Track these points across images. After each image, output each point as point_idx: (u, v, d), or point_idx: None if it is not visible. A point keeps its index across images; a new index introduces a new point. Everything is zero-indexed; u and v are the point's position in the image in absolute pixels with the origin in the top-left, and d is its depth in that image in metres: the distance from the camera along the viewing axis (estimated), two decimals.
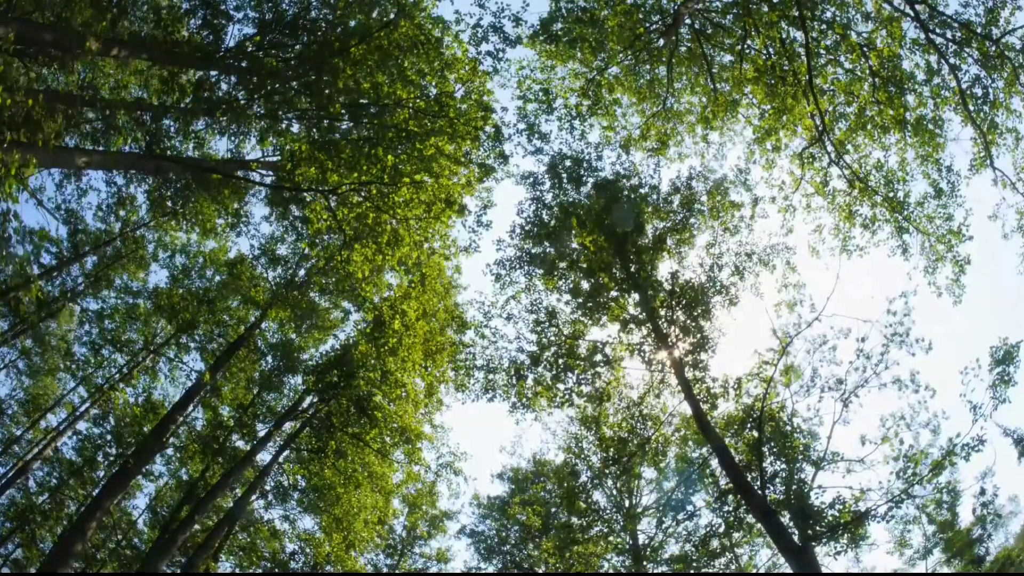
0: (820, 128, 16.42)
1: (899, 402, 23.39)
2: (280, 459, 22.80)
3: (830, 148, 16.77)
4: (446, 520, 28.56)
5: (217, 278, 24.92)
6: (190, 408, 19.17)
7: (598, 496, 24.85)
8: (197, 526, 19.45)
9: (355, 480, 19.66)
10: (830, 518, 12.81)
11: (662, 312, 14.33)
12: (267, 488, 22.61)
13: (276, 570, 26.63)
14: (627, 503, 23.06)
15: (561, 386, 16.72)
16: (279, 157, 18.57)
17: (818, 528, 12.61)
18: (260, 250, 23.21)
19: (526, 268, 16.40)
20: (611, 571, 27.56)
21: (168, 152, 17.52)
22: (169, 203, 24.45)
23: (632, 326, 16.71)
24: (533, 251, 15.98)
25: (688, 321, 15.54)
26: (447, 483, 21.29)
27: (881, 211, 17.86)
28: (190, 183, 24.56)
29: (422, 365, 17.06)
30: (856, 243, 17.66)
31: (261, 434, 23.57)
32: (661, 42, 21.57)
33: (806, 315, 15.15)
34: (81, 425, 25.90)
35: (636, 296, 15.94)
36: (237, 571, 28.24)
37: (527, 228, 16.08)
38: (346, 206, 16.41)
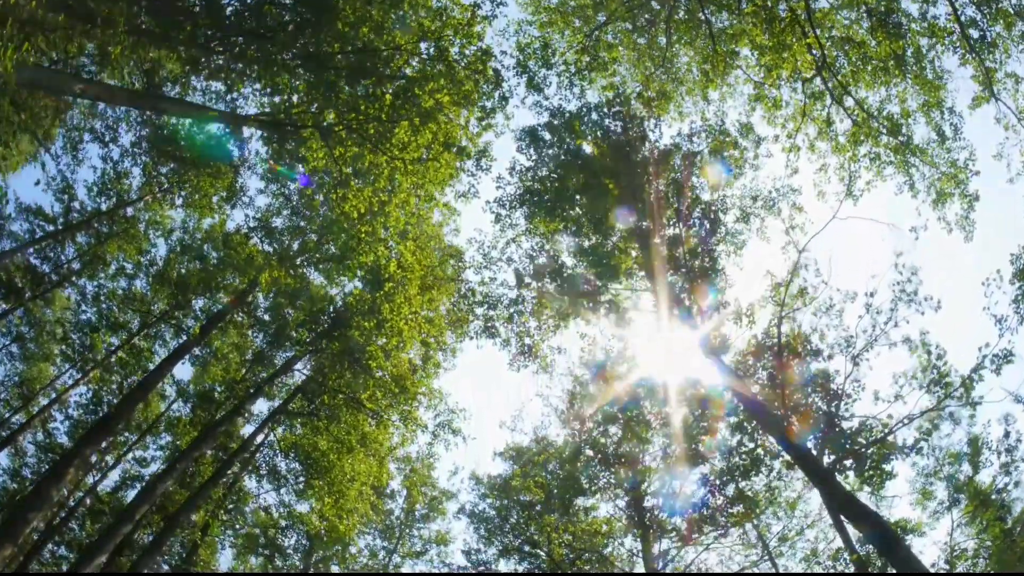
0: (821, 62, 16.30)
1: (911, 361, 22.66)
2: (273, 437, 22.26)
3: (832, 84, 16.62)
4: (445, 501, 27.72)
5: (214, 255, 24.64)
6: (179, 364, 18.61)
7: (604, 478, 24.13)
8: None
9: (348, 444, 19.04)
10: (859, 440, 12.26)
11: (669, 232, 13.96)
12: (259, 463, 21.93)
13: (274, 569, 25.77)
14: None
15: (563, 330, 16.26)
16: (276, 111, 18.47)
17: (847, 447, 12.04)
18: (256, 220, 22.99)
19: (527, 209, 16.08)
20: (611, 571, 26.65)
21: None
22: (164, 180, 24.45)
23: (637, 268, 16.33)
24: (535, 187, 15.65)
25: (696, 243, 15.20)
26: (445, 444, 20.60)
27: (886, 152, 17.66)
28: (186, 159, 24.48)
29: (418, 312, 16.56)
30: (861, 184, 17.37)
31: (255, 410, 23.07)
32: (656, 4, 21.76)
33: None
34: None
35: (639, 245, 15.59)
36: (237, 571, 27.35)
37: (528, 166, 15.79)
38: (343, 146, 16.17)
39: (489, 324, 16.08)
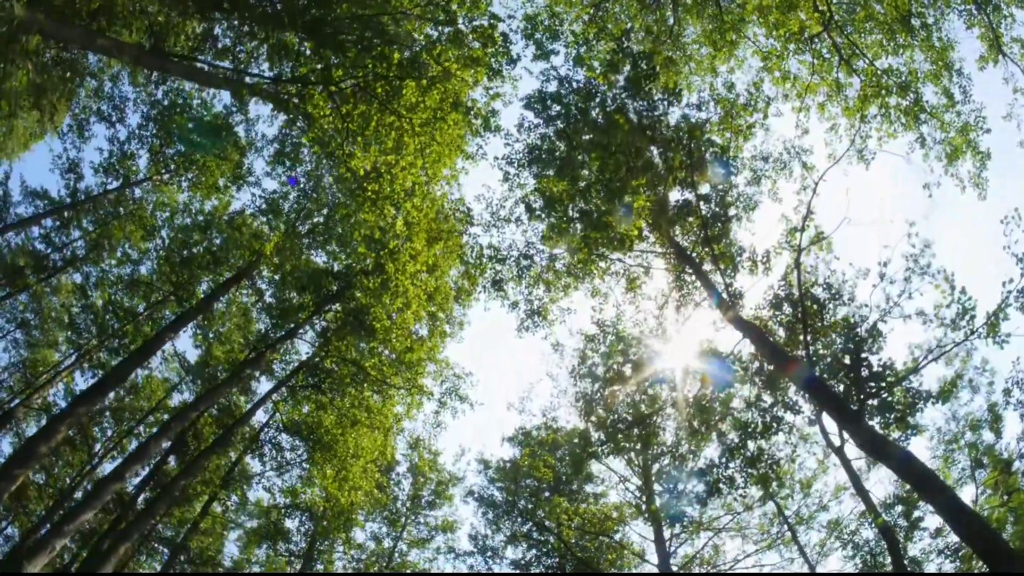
0: (828, 19, 16.27)
1: (925, 334, 22.39)
2: (277, 416, 21.92)
3: (839, 40, 16.57)
4: (451, 487, 27.18)
5: (218, 240, 24.53)
6: (182, 332, 18.36)
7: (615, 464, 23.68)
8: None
9: (352, 418, 18.71)
10: (887, 378, 11.89)
11: (680, 174, 13.72)
12: (262, 442, 21.57)
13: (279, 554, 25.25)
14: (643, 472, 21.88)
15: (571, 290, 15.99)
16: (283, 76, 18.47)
17: (874, 388, 11.67)
18: (264, 200, 22.92)
19: (535, 168, 15.92)
20: (614, 571, 26.04)
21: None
22: (170, 162, 24.48)
23: (647, 232, 16.12)
24: (544, 145, 15.50)
25: (707, 209, 14.97)
26: (452, 412, 20.17)
27: (896, 113, 17.55)
28: (193, 140, 24.54)
29: (423, 271, 16.31)
30: (872, 144, 17.24)
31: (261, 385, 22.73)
32: None
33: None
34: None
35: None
36: (236, 571, 26.78)
37: (536, 122, 15.64)
38: (349, 104, 16.10)
39: (497, 277, 15.83)
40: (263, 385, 22.44)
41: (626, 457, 22.38)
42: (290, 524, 23.47)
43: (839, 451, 17.05)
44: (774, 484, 17.19)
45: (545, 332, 17.24)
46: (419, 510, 27.20)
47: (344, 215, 21.24)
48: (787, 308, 13.59)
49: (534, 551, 23.45)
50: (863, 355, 11.76)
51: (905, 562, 16.41)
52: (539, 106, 15.34)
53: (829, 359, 12.81)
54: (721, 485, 14.31)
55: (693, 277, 16.66)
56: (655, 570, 21.43)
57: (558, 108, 18.29)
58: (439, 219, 16.41)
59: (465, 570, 24.74)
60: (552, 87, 17.55)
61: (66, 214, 24.54)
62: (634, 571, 28.10)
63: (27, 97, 23.28)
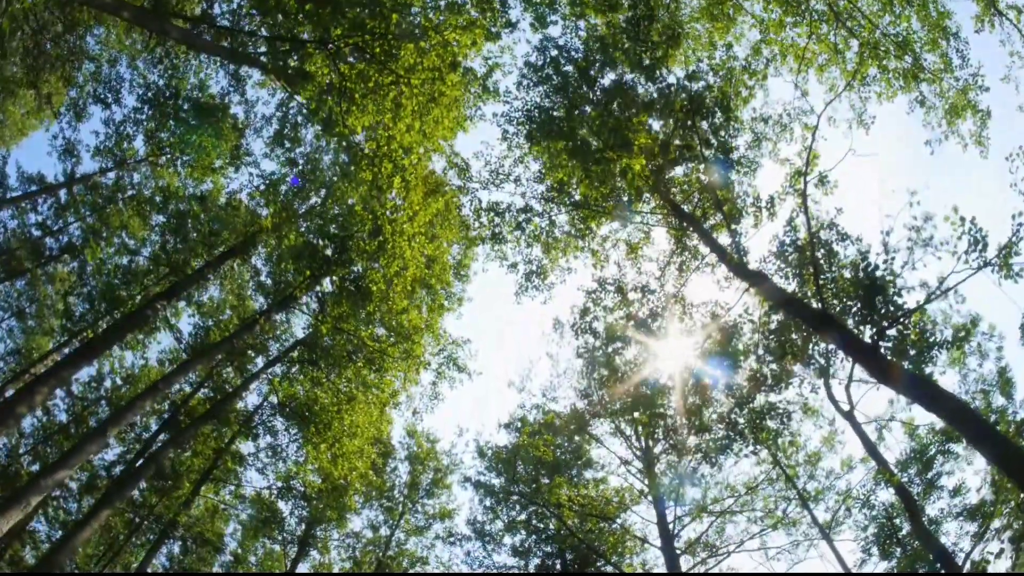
0: None
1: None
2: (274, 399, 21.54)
3: (840, 2, 16.62)
4: (449, 475, 26.64)
5: (215, 225, 24.37)
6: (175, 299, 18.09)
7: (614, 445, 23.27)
8: None
9: (348, 394, 18.41)
10: (902, 307, 11.63)
11: (680, 116, 13.58)
12: (255, 424, 21.20)
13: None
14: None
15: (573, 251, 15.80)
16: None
17: (888, 316, 11.38)
18: (262, 180, 22.76)
19: (535, 127, 15.80)
20: (616, 571, 25.47)
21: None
22: (166, 144, 24.42)
23: (647, 193, 15.98)
24: (544, 104, 15.39)
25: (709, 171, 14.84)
26: (450, 383, 19.81)
27: (895, 77, 17.55)
28: (190, 122, 24.49)
29: (421, 233, 16.06)
30: (872, 108, 17.17)
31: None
32: None
33: None
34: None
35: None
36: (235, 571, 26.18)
37: (535, 80, 15.56)
38: (347, 64, 16.07)
39: (496, 231, 15.63)
40: (258, 364, 22.12)
41: (627, 436, 21.99)
42: (283, 507, 22.98)
43: (849, 415, 16.76)
44: (786, 438, 16.79)
45: (545, 296, 17.05)
46: (416, 498, 26.68)
47: (341, 191, 21.17)
48: (793, 256, 13.34)
49: (533, 537, 22.94)
50: (877, 282, 11.46)
51: (924, 520, 16.05)
52: (540, 59, 15.28)
53: (842, 299, 12.53)
54: (733, 441, 13.98)
55: (695, 239, 16.51)
56: (658, 552, 20.93)
57: (557, 79, 18.29)
58: (438, 174, 16.28)
59: (463, 558, 24.24)
60: (553, 53, 17.56)
61: (62, 195, 24.43)
62: (636, 571, 27.50)
63: (24, 77, 23.34)
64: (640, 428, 22.42)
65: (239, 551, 24.85)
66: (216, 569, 23.84)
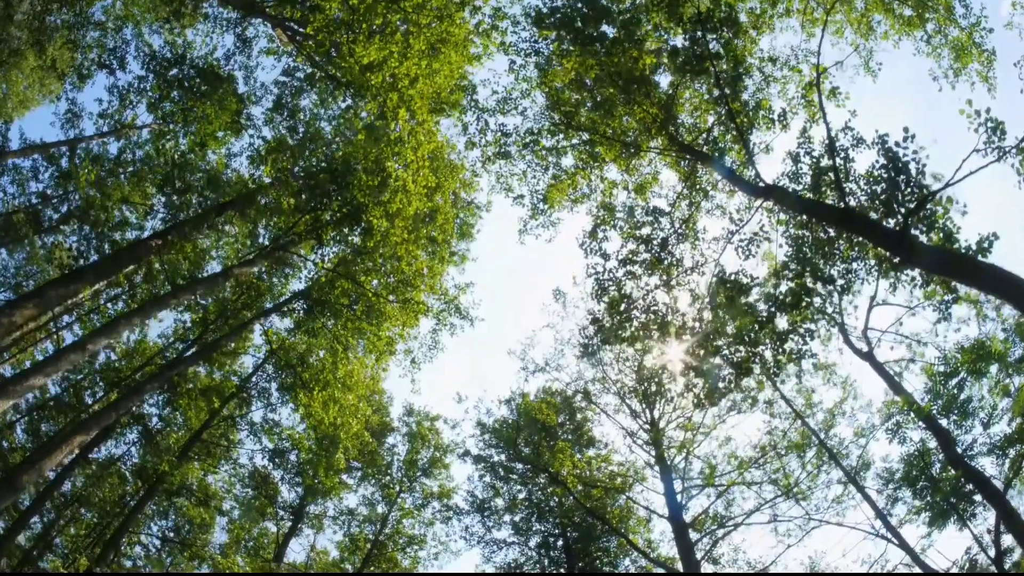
0: None
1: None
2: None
3: None
4: (448, 453, 25.68)
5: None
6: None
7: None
8: None
9: (344, 343, 17.97)
10: (928, 187, 11.29)
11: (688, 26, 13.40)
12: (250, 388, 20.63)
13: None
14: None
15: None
16: None
17: (914, 198, 11.02)
18: (263, 142, 22.56)
19: (542, 59, 15.70)
20: (619, 571, 24.57)
21: None
22: (169, 111, 24.30)
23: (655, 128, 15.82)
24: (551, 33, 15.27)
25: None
26: (451, 331, 19.24)
27: (900, 23, 17.62)
28: (192, 88, 24.35)
29: (424, 166, 15.80)
30: (880, 51, 17.25)
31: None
32: None
33: None
34: None
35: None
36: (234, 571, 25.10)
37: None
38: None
39: (503, 150, 15.37)
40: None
41: (632, 408, 21.40)
42: (276, 474, 22.17)
43: (869, 356, 16.29)
44: (809, 361, 16.07)
45: (550, 234, 16.73)
46: (415, 476, 25.76)
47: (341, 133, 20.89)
48: (809, 172, 13.02)
49: (535, 514, 22.09)
50: (899, 162, 11.07)
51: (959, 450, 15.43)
52: None
53: (863, 199, 12.11)
54: (752, 363, 13.44)
55: (705, 177, 16.31)
56: (666, 521, 20.11)
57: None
58: (444, 93, 16.13)
59: (461, 533, 23.30)
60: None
61: (63, 162, 24.24)
62: (640, 572, 26.47)
63: (29, 38, 23.38)
64: (647, 400, 21.85)
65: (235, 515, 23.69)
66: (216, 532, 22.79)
